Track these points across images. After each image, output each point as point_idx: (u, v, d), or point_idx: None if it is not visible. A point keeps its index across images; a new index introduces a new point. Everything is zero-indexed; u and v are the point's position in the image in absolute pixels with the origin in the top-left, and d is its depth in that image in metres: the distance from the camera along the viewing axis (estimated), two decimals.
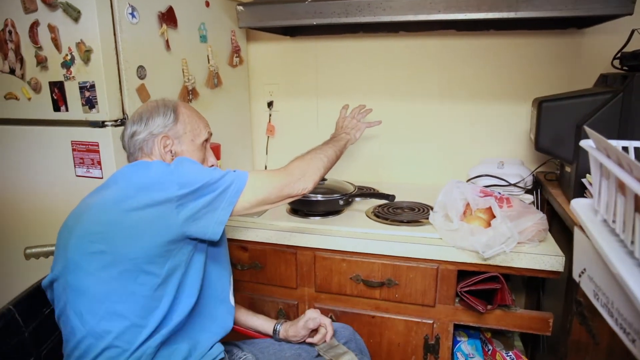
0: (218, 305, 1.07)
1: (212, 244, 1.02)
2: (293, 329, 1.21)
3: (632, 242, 0.64)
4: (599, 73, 1.45)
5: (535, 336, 1.47)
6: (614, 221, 0.71)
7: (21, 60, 1.35)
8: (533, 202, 1.54)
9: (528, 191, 1.59)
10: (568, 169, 1.35)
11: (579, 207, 0.85)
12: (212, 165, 1.14)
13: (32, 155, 1.43)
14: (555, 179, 1.53)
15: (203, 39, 1.64)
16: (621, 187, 0.67)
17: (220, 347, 1.05)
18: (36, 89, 1.35)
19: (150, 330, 0.91)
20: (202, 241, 0.99)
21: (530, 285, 1.71)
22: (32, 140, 1.42)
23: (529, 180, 1.57)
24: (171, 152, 1.06)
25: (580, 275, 0.81)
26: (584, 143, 0.83)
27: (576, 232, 0.82)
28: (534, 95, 1.52)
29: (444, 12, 1.32)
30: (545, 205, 1.50)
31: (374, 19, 1.37)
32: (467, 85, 1.78)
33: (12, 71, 1.38)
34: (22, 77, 1.37)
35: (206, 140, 1.13)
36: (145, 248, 0.90)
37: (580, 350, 1.09)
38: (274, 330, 1.24)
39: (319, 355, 1.19)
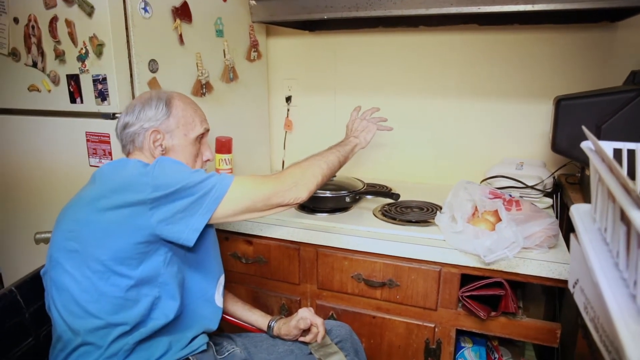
0: (202, 307, 1.05)
1: (196, 246, 0.96)
2: (285, 328, 1.20)
3: (618, 253, 0.59)
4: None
5: (552, 347, 1.40)
6: (605, 229, 0.66)
7: (42, 54, 1.41)
8: (552, 206, 1.47)
9: (548, 194, 1.51)
10: (588, 172, 1.27)
11: (577, 214, 0.80)
12: (207, 160, 1.13)
13: (51, 145, 1.49)
14: (577, 182, 1.45)
15: (219, 33, 1.65)
16: (611, 193, 0.63)
17: (203, 339, 1.05)
18: (55, 81, 1.41)
19: (127, 328, 0.91)
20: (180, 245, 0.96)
21: (550, 295, 1.63)
22: (52, 131, 1.48)
23: (549, 183, 1.50)
24: (162, 146, 1.04)
25: (574, 286, 0.76)
26: (584, 145, 0.78)
27: (572, 240, 0.77)
28: (560, 93, 1.44)
29: (457, 6, 1.27)
30: (565, 210, 1.42)
31: (384, 13, 1.33)
32: (489, 82, 1.70)
33: (34, 64, 1.44)
34: (43, 70, 1.43)
35: (202, 135, 1.11)
36: (114, 249, 0.88)
37: None
38: (269, 327, 1.24)
39: (310, 353, 1.18)
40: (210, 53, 1.61)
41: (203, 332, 1.06)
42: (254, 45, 1.86)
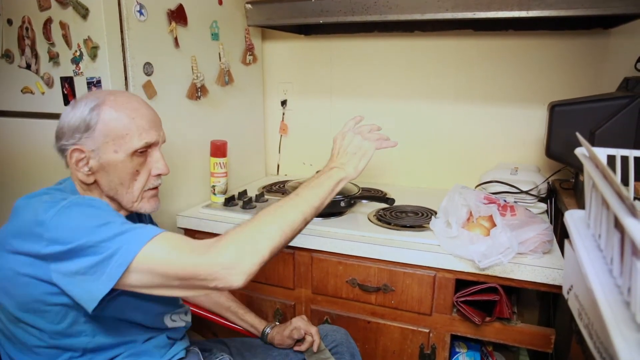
0: (148, 340, 0.95)
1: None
2: (279, 337, 1.19)
3: (612, 260, 0.59)
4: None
5: (546, 353, 1.40)
6: (599, 236, 0.66)
7: (36, 56, 1.40)
8: (546, 212, 1.47)
9: (542, 199, 1.51)
10: (582, 178, 1.27)
11: (572, 220, 0.80)
12: (159, 175, 0.97)
13: (44, 148, 1.48)
14: (571, 188, 1.45)
15: (215, 36, 1.65)
16: (605, 200, 0.63)
17: (180, 346, 1.01)
18: (49, 83, 1.40)
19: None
20: None
21: (545, 301, 1.63)
22: (45, 133, 1.46)
23: (543, 188, 1.50)
24: (87, 166, 0.88)
25: (568, 292, 0.76)
26: (578, 151, 0.78)
27: (566, 245, 0.77)
28: (554, 99, 1.45)
29: (452, 11, 1.27)
30: (560, 215, 1.43)
31: (380, 18, 1.34)
32: (484, 87, 1.71)
33: (28, 66, 1.43)
34: (37, 72, 1.42)
35: (145, 149, 0.92)
36: (18, 299, 0.79)
37: None
38: (263, 333, 1.23)
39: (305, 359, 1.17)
40: (205, 56, 1.61)
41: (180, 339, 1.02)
42: (250, 49, 1.86)
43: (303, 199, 0.89)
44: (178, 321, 1.03)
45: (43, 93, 1.43)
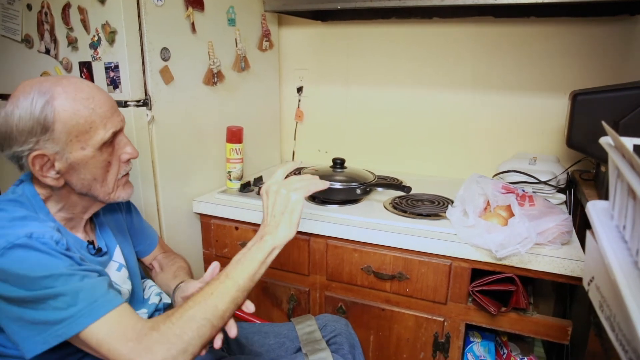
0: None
1: None
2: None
3: (638, 252, 0.58)
4: None
5: (561, 344, 1.39)
6: (624, 227, 0.65)
7: (55, 41, 1.41)
8: (565, 202, 1.45)
9: (561, 190, 1.49)
10: (603, 169, 1.25)
11: (594, 210, 0.78)
12: (129, 160, 0.92)
13: None
14: (592, 179, 1.42)
15: (231, 22, 1.64)
16: (632, 190, 0.61)
17: None
18: (67, 68, 1.40)
19: None
20: None
21: (561, 292, 1.61)
22: None
23: (562, 179, 1.47)
24: (54, 169, 0.82)
25: (589, 284, 0.75)
26: (603, 140, 0.76)
27: (588, 236, 0.76)
28: (576, 87, 1.42)
29: None
30: (579, 207, 1.41)
31: (398, 4, 1.32)
32: (503, 76, 1.68)
33: (47, 51, 1.44)
34: (56, 57, 1.42)
35: (113, 135, 0.87)
36: None
37: None
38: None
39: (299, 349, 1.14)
40: (222, 42, 1.60)
41: None
42: (266, 35, 1.85)
43: (233, 282, 0.82)
44: (152, 298, 1.05)
45: None
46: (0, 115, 0.79)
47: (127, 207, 1.15)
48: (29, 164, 0.80)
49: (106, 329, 0.73)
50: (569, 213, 1.40)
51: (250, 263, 0.84)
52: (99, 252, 0.96)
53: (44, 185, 0.85)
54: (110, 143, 0.87)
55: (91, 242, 0.96)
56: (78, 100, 0.81)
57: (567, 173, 1.50)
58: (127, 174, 0.95)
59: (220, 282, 0.82)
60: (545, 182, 1.44)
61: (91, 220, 0.99)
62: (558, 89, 1.60)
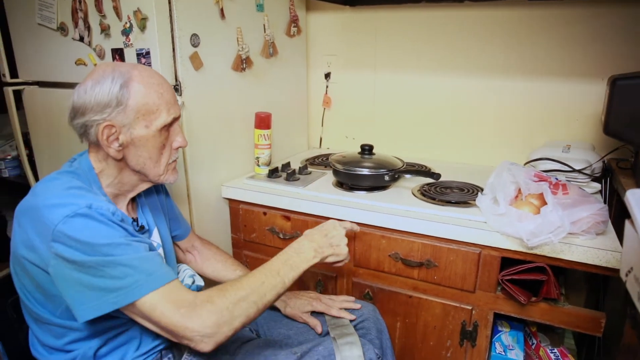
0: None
1: None
2: (291, 311, 1.20)
3: None
4: None
5: (593, 337, 1.36)
6: None
7: (89, 29, 1.44)
8: (600, 192, 1.41)
9: (596, 179, 1.44)
10: None
11: (634, 199, 0.76)
12: (179, 147, 1.00)
13: None
14: (630, 167, 1.38)
15: (260, 8, 1.63)
16: None
17: None
18: (100, 55, 1.43)
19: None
20: None
21: (593, 283, 1.58)
22: None
23: (598, 167, 1.43)
24: (118, 141, 0.89)
25: (627, 275, 0.73)
26: None
27: (627, 226, 0.74)
28: (614, 72, 1.36)
29: None
30: (615, 196, 1.36)
31: None
32: (536, 60, 1.63)
33: (81, 39, 1.47)
34: (90, 44, 1.45)
35: (170, 124, 0.95)
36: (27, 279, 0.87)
37: (630, 356, 0.99)
38: None
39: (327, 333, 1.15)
40: (250, 28, 1.60)
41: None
42: (294, 21, 1.84)
43: (281, 280, 0.93)
44: (186, 279, 1.08)
45: (95, 65, 1.47)
46: (80, 89, 0.88)
47: (165, 192, 1.20)
48: (99, 132, 0.87)
49: (160, 299, 0.79)
50: (604, 202, 1.36)
51: (296, 270, 0.97)
52: (141, 229, 1.02)
53: (99, 159, 0.93)
54: (167, 128, 0.95)
55: (134, 220, 1.01)
56: (150, 85, 0.90)
57: (603, 161, 1.46)
58: (175, 161, 1.01)
59: (272, 276, 0.92)
60: (579, 171, 1.40)
61: (133, 200, 1.04)
62: (594, 74, 1.55)
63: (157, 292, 0.79)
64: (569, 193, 1.17)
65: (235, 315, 0.82)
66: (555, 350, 1.29)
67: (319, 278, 1.46)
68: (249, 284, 0.88)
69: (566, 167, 1.42)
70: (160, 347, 0.99)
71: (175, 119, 0.96)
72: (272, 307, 1.23)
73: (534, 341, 1.34)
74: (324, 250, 1.04)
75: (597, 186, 1.41)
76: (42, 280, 0.83)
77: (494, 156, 1.76)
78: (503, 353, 1.29)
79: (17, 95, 1.70)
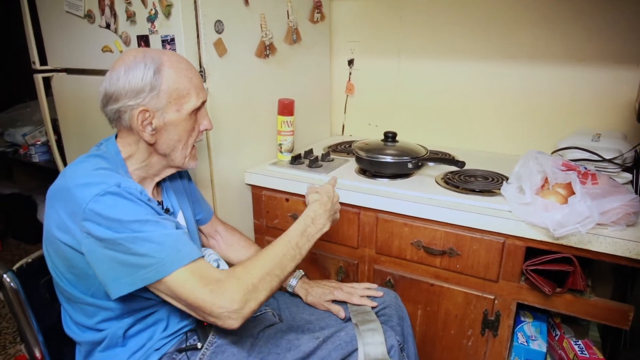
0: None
1: None
2: (313, 299, 1.21)
3: None
4: None
5: (619, 329, 1.34)
6: None
7: (115, 16, 1.45)
8: (632, 182, 1.37)
9: (628, 169, 1.40)
10: None
11: None
12: (205, 130, 1.03)
13: None
14: None
15: None
16: None
17: None
18: (126, 42, 1.45)
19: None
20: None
21: (620, 275, 1.54)
22: None
23: (630, 157, 1.39)
24: (151, 125, 0.92)
25: None
26: None
27: None
28: None
29: None
30: None
31: None
32: (565, 46, 1.58)
33: (107, 26, 1.49)
34: (116, 31, 1.47)
35: (198, 108, 0.98)
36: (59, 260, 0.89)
37: None
38: (288, 285, 1.25)
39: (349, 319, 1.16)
40: (274, 14, 1.60)
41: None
42: (317, 7, 1.82)
43: (299, 251, 0.96)
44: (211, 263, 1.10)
45: (121, 52, 1.49)
46: (112, 76, 0.90)
47: (188, 177, 1.22)
48: (133, 118, 0.90)
49: (189, 275, 0.81)
50: (635, 193, 1.32)
51: (312, 240, 1.00)
52: (166, 212, 1.04)
53: (130, 143, 0.95)
54: (196, 112, 0.98)
55: (160, 203, 1.03)
56: (180, 69, 0.93)
57: (635, 151, 1.41)
58: (194, 147, 1.03)
59: (291, 247, 0.95)
60: (610, 160, 1.37)
61: (158, 185, 1.06)
62: (628, 60, 1.49)
63: (186, 269, 0.81)
64: (599, 183, 1.14)
65: (260, 289, 0.85)
66: (580, 342, 1.28)
67: (340, 264, 1.46)
68: (272, 258, 0.91)
69: (596, 156, 1.38)
70: (186, 328, 1.01)
71: (203, 103, 0.99)
72: (294, 294, 1.25)
73: (558, 332, 1.32)
74: (335, 216, 1.09)
75: (628, 176, 1.37)
76: (77, 261, 0.85)
77: (519, 145, 1.73)
78: (525, 343, 1.28)
79: (47, 82, 1.74)
